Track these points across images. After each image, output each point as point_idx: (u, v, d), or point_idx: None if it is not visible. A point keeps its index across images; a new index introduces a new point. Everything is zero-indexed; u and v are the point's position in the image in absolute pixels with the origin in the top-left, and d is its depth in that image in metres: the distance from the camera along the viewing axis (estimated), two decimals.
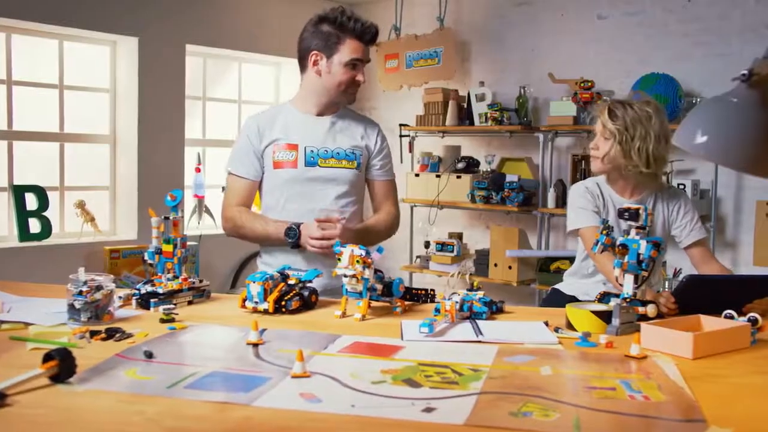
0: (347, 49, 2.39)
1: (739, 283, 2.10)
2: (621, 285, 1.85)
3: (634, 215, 1.84)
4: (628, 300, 1.80)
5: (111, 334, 1.59)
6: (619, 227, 2.43)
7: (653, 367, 1.47)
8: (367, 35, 2.42)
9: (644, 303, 1.80)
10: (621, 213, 1.87)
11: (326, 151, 2.44)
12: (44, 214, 4.50)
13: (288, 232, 2.30)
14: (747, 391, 1.36)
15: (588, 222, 2.42)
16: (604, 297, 1.91)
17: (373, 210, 2.61)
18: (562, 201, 4.68)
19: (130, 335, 1.60)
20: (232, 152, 2.52)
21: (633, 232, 1.85)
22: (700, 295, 1.89)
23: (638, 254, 1.80)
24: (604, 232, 1.87)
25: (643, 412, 1.19)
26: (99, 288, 1.71)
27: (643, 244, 1.80)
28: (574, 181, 4.65)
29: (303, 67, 2.50)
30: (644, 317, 1.77)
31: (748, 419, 1.20)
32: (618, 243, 1.84)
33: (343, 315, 1.88)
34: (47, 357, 1.26)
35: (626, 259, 1.82)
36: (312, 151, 2.43)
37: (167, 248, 1.96)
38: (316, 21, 2.43)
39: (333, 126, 2.49)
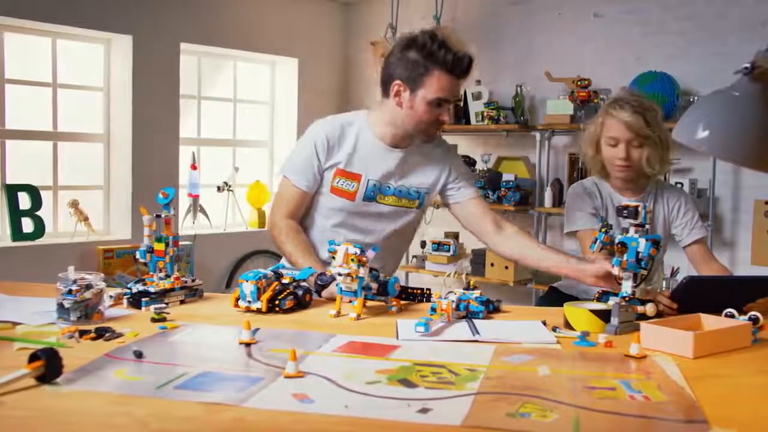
0: (434, 84, 2.13)
1: (738, 284, 2.08)
2: (620, 284, 1.81)
3: (633, 213, 1.80)
4: (626, 299, 1.77)
5: (101, 333, 1.56)
6: (619, 225, 2.42)
7: (653, 366, 1.44)
8: (459, 68, 2.14)
9: (643, 302, 1.77)
10: (620, 211, 1.83)
11: (389, 187, 2.30)
12: (37, 213, 4.47)
13: (319, 276, 2.05)
14: (749, 391, 1.33)
15: (585, 224, 2.39)
16: (602, 296, 1.89)
17: (480, 232, 2.36)
18: (559, 200, 4.66)
19: (120, 335, 1.57)
20: (292, 155, 2.35)
21: (632, 230, 1.81)
22: (700, 296, 1.86)
23: (637, 252, 1.76)
24: (603, 230, 1.84)
25: (643, 413, 1.17)
26: (89, 287, 1.68)
27: (642, 242, 1.76)
28: (571, 180, 4.63)
29: (385, 93, 2.25)
30: (643, 316, 1.74)
31: (751, 420, 1.17)
32: (617, 241, 1.80)
33: (338, 314, 1.85)
34: (33, 357, 1.23)
35: (625, 257, 1.78)
36: (374, 185, 2.28)
37: (159, 247, 1.93)
38: (403, 46, 2.17)
39: (404, 161, 2.30)
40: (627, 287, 1.79)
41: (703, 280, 2.07)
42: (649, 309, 1.75)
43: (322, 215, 2.34)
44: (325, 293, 2.03)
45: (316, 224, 2.35)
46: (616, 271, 1.79)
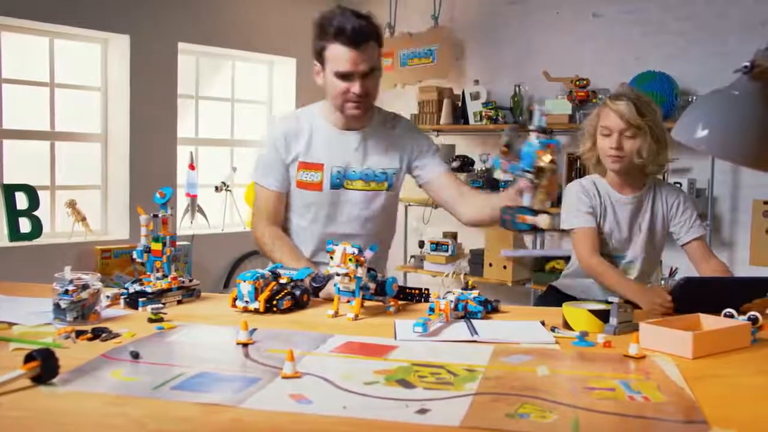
0: (332, 57, 2.13)
1: (736, 284, 2.07)
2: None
3: (529, 116, 1.68)
4: (511, 207, 1.67)
5: (97, 334, 1.55)
6: (616, 220, 2.41)
7: (652, 367, 1.43)
8: (352, 38, 2.09)
9: (535, 212, 1.64)
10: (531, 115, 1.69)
11: (354, 171, 2.28)
12: (35, 213, 4.45)
13: (315, 279, 2.04)
14: (748, 391, 1.33)
15: (581, 223, 2.39)
16: (506, 212, 1.76)
17: (451, 203, 2.34)
18: (557, 200, 4.65)
19: (116, 335, 1.56)
20: (257, 160, 2.36)
21: (532, 135, 1.65)
22: (697, 297, 1.86)
23: (531, 156, 1.63)
24: (505, 149, 1.69)
25: (642, 413, 1.16)
26: (85, 287, 1.68)
27: (535, 142, 1.63)
28: (569, 180, 4.62)
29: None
30: (534, 228, 1.63)
31: (751, 420, 1.17)
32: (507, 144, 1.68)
33: (336, 314, 1.84)
34: (29, 357, 1.22)
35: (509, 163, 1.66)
36: (339, 171, 2.26)
37: (156, 247, 1.92)
38: (313, 27, 2.19)
39: (362, 143, 2.29)
40: (527, 200, 1.68)
41: (700, 281, 2.06)
42: (542, 220, 1.62)
43: (298, 214, 2.35)
44: (322, 294, 2.03)
45: (293, 224, 2.36)
46: (499, 173, 1.68)
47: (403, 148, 2.35)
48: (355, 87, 2.14)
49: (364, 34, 2.11)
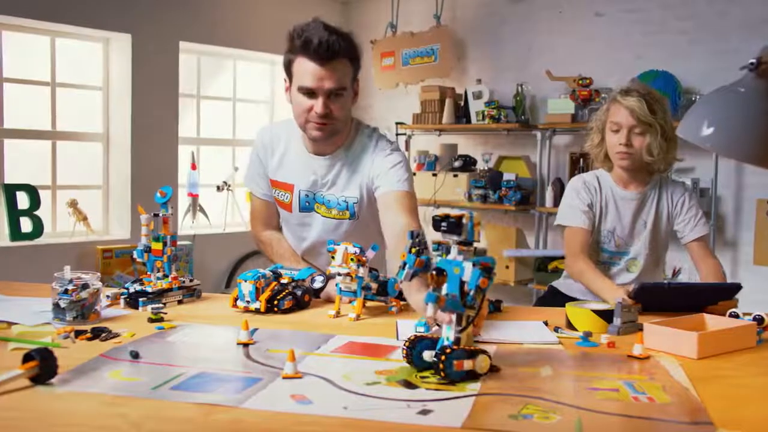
0: (299, 72, 2.00)
1: (694, 291, 2.07)
2: (438, 325, 1.33)
3: (454, 226, 1.30)
4: (448, 350, 1.26)
5: (97, 333, 1.54)
6: (619, 216, 2.38)
7: (657, 367, 1.42)
8: (318, 53, 1.94)
9: (472, 354, 1.28)
10: (437, 223, 1.33)
11: (322, 196, 2.19)
12: (36, 213, 4.45)
13: (314, 281, 2.02)
14: (755, 392, 1.31)
15: (574, 221, 2.38)
16: (415, 346, 1.35)
17: (384, 231, 2.08)
18: (559, 200, 4.62)
19: (116, 335, 1.55)
20: (247, 166, 2.36)
21: (454, 250, 1.33)
22: (654, 302, 1.89)
23: (462, 283, 1.29)
24: (413, 250, 1.35)
25: (647, 415, 1.15)
26: (85, 286, 1.66)
27: (469, 267, 1.29)
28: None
29: None
30: (471, 373, 1.27)
31: (758, 422, 1.15)
32: (433, 267, 1.34)
33: (337, 315, 1.83)
34: (27, 357, 1.21)
35: (444, 290, 1.30)
36: (307, 195, 2.20)
37: (157, 246, 1.91)
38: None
39: (329, 170, 2.17)
40: (448, 333, 1.30)
41: (654, 287, 2.04)
42: (479, 364, 1.28)
43: (284, 220, 2.35)
44: (322, 296, 2.01)
45: (284, 231, 2.37)
46: (430, 311, 1.28)
47: (363, 174, 2.14)
48: (318, 105, 1.99)
49: (333, 51, 1.95)
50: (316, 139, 2.09)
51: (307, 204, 2.21)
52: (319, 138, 2.07)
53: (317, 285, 2.01)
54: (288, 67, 2.05)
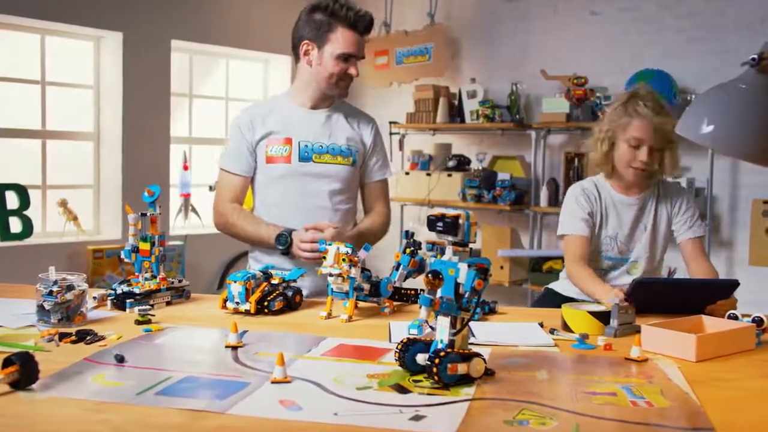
0: (339, 40, 2.27)
1: (690, 287, 2.06)
2: (432, 328, 1.29)
3: (450, 226, 1.30)
4: (442, 353, 1.23)
5: (82, 336, 1.50)
6: (620, 221, 2.36)
7: (655, 370, 1.39)
8: (361, 24, 2.28)
9: (466, 357, 1.26)
10: (431, 223, 1.32)
11: (321, 146, 2.34)
12: (25, 213, 4.39)
13: (279, 239, 2.18)
14: (755, 395, 1.29)
15: (574, 230, 2.35)
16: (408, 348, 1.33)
17: (364, 210, 2.50)
18: (554, 199, 4.62)
19: (102, 338, 1.52)
20: (225, 150, 2.43)
21: (449, 250, 1.32)
22: (650, 298, 1.86)
23: (456, 285, 1.27)
24: (408, 251, 1.32)
25: (646, 420, 1.12)
26: (70, 288, 1.63)
27: (464, 269, 1.27)
28: (567, 179, 4.59)
29: (296, 57, 2.37)
30: (466, 378, 1.25)
31: (758, 426, 1.13)
32: (428, 269, 1.29)
33: (329, 316, 1.80)
34: (7, 362, 1.17)
35: (439, 293, 1.27)
36: (306, 146, 2.33)
37: (144, 246, 1.87)
38: (309, 9, 2.31)
39: (328, 120, 2.39)
40: (443, 335, 1.27)
41: (651, 283, 2.02)
42: (474, 368, 1.26)
43: (264, 191, 2.39)
44: (294, 251, 2.13)
45: (261, 203, 2.40)
46: (424, 314, 1.27)
47: (366, 133, 2.46)
48: (353, 69, 2.31)
49: (370, 24, 2.31)
50: (342, 95, 2.40)
51: (306, 155, 2.34)
52: (345, 94, 2.40)
53: (280, 247, 2.15)
54: (320, 35, 2.27)
